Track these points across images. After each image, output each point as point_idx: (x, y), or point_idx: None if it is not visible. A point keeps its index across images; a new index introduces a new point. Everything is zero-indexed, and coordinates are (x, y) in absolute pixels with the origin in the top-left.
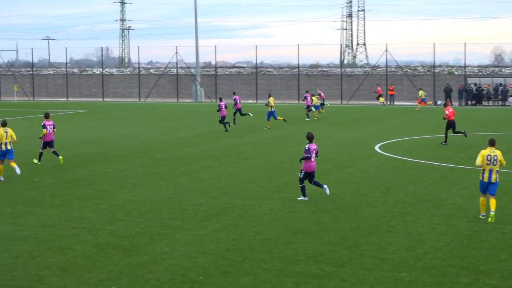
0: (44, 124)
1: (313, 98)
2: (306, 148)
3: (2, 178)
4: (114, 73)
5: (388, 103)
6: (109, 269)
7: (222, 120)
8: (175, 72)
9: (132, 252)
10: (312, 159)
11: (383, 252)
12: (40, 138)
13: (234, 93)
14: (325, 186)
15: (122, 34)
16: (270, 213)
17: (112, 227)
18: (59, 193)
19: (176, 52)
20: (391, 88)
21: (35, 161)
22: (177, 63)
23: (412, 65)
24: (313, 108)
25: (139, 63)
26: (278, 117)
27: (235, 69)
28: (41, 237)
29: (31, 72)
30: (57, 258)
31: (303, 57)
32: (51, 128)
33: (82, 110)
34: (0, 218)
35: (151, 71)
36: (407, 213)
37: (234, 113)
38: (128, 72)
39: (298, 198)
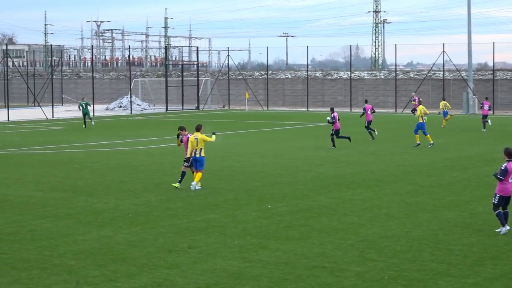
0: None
1: (444, 103)
2: (503, 168)
3: (197, 187)
4: (365, 77)
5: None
6: None
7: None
8: (441, 76)
9: None
10: (511, 180)
11: None
12: (186, 156)
13: (366, 101)
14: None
15: (375, 29)
16: None
17: (360, 268)
18: (297, 223)
19: (443, 51)
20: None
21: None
22: (443, 64)
23: None
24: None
25: (396, 65)
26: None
27: None
28: (275, 277)
29: (265, 76)
30: None
31: None
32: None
33: (324, 123)
34: (227, 251)
35: (411, 74)
36: None
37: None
38: (382, 76)
39: (496, 230)
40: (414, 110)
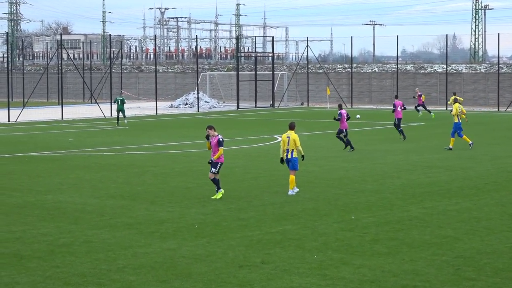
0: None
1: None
2: None
3: (294, 192)
4: (463, 70)
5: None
6: None
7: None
8: None
9: None
10: None
11: None
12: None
13: (396, 97)
14: None
15: (475, 17)
16: None
17: None
18: (384, 236)
19: None
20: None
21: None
22: None
23: None
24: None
25: (498, 57)
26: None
27: None
28: None
29: (349, 69)
30: None
31: None
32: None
33: (417, 122)
34: (305, 267)
35: None
36: None
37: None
38: (483, 70)
39: None
40: (418, 106)
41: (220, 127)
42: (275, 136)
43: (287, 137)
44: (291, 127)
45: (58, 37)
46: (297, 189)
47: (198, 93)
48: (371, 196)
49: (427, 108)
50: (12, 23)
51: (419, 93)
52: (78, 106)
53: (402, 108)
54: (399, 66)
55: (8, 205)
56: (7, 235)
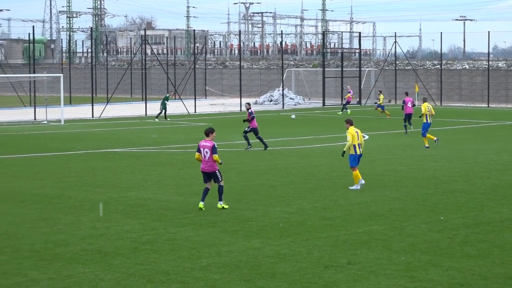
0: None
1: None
2: None
3: (359, 187)
4: None
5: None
6: None
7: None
8: None
9: None
10: None
11: None
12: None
13: (406, 94)
14: None
15: None
16: None
17: None
18: (474, 238)
19: None
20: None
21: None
22: None
23: None
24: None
25: None
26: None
27: None
28: None
29: (438, 66)
30: None
31: None
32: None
33: (508, 121)
34: (392, 268)
35: None
36: None
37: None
38: None
39: None
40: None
41: (305, 124)
42: (362, 134)
43: (356, 132)
44: (351, 122)
45: (142, 32)
46: (359, 187)
47: (283, 90)
48: (461, 196)
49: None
50: (97, 18)
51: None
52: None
53: (412, 104)
54: (490, 63)
55: (92, 201)
56: (91, 232)
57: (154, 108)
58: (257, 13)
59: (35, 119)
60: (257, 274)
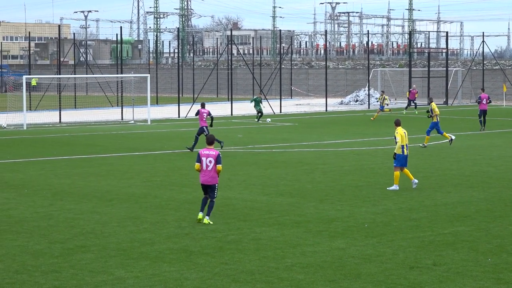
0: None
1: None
2: None
3: (398, 187)
4: None
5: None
6: None
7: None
8: None
9: None
10: None
11: None
12: None
13: (482, 90)
14: None
15: None
16: None
17: None
18: None
19: None
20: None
21: None
22: None
23: None
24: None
25: None
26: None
27: None
28: None
29: None
30: None
31: None
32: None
33: None
34: (479, 270)
35: None
36: None
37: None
38: None
39: None
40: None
41: (392, 124)
42: (448, 134)
43: (404, 132)
44: (399, 123)
45: (228, 33)
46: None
47: (369, 90)
48: None
49: (410, 105)
50: (183, 19)
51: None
52: (247, 102)
53: (488, 101)
54: None
55: (178, 201)
56: (177, 231)
57: (240, 108)
58: (343, 13)
59: (122, 118)
60: (342, 274)
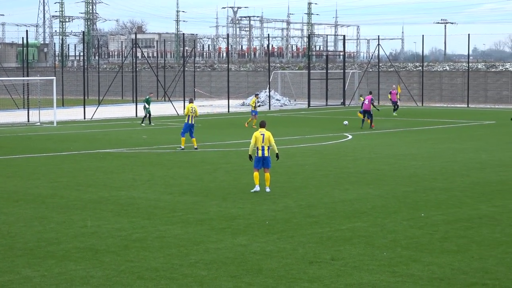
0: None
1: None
2: None
3: (258, 189)
4: None
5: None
6: None
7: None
8: None
9: None
10: None
11: None
12: None
13: (370, 92)
14: None
15: None
16: None
17: None
18: (454, 234)
19: None
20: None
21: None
22: None
23: None
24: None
25: None
26: None
27: None
28: None
29: (420, 68)
30: None
31: None
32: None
33: (487, 121)
34: (375, 264)
35: None
36: None
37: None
38: None
39: None
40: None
41: (291, 125)
42: (345, 134)
43: (261, 134)
44: (263, 125)
45: (133, 36)
46: (268, 189)
47: (269, 91)
48: (441, 194)
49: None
50: (89, 23)
51: (394, 91)
52: (152, 104)
53: (372, 102)
54: (470, 64)
55: (83, 201)
56: (82, 230)
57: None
58: (245, 17)
59: (28, 121)
60: (244, 270)
